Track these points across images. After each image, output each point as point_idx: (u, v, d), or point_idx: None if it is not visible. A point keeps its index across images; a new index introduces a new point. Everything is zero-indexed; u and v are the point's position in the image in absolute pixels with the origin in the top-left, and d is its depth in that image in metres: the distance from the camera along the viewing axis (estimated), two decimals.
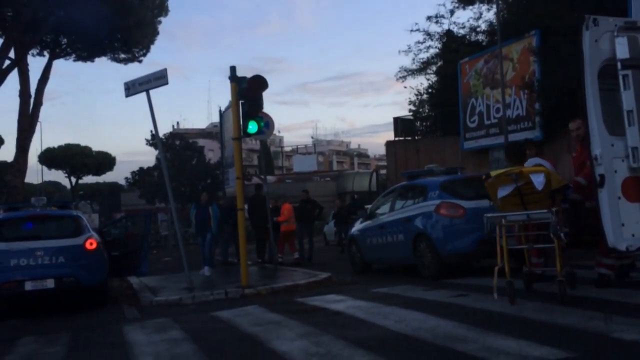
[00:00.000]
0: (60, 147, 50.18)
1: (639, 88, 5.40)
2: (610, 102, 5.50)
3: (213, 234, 11.87)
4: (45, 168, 48.98)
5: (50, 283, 8.18)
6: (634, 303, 5.31)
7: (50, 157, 48.04)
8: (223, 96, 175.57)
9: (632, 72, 5.39)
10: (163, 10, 24.94)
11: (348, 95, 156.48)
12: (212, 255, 12.10)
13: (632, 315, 4.77)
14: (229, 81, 9.26)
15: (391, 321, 5.50)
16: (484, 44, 22.62)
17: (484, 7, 23.15)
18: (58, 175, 54.56)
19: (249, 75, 9.19)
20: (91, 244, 8.60)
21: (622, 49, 5.42)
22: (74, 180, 50.23)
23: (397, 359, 4.10)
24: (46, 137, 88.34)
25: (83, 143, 56.72)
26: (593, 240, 5.91)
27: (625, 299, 5.53)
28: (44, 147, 49.48)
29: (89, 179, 54.08)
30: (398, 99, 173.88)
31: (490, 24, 22.44)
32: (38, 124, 24.15)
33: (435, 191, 8.85)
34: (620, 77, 5.39)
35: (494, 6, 19.50)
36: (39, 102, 23.13)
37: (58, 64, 49.53)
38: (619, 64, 5.41)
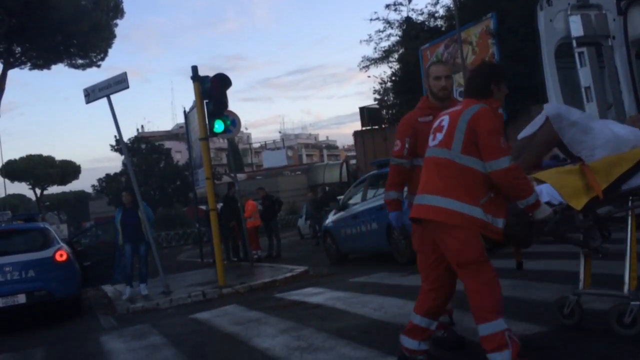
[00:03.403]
0: (22, 158, 48.97)
1: (594, 65, 5.56)
2: (568, 79, 5.65)
3: (147, 242, 9.47)
4: (7, 181, 47.70)
5: (21, 298, 8.00)
6: (601, 273, 5.47)
7: (12, 170, 46.77)
8: (187, 97, 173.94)
9: (587, 49, 5.54)
10: (118, 12, 24.47)
11: (311, 88, 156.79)
12: (147, 269, 9.78)
13: (600, 285, 4.91)
14: (191, 81, 9.16)
15: (370, 309, 5.55)
16: (443, 29, 22.85)
17: None
18: (22, 188, 53.37)
19: (211, 74, 9.12)
20: (61, 256, 8.43)
21: (576, 27, 5.56)
22: (38, 191, 49.10)
23: (379, 347, 4.14)
24: (6, 149, 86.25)
25: (45, 153, 55.56)
26: None
27: (594, 269, 5.69)
28: (5, 159, 48.16)
29: (54, 189, 53.00)
30: (362, 89, 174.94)
31: (448, 9, 22.68)
32: None
33: None
34: (576, 55, 5.54)
35: None
36: None
37: (13, 73, 48.27)
38: (574, 42, 5.55)
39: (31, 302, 8.09)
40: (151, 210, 10.00)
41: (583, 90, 5.46)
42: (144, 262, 9.61)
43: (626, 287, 3.42)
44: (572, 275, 5.56)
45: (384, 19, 24.81)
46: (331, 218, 11.22)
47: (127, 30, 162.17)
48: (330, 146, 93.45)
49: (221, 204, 13.36)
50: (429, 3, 36.63)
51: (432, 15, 24.14)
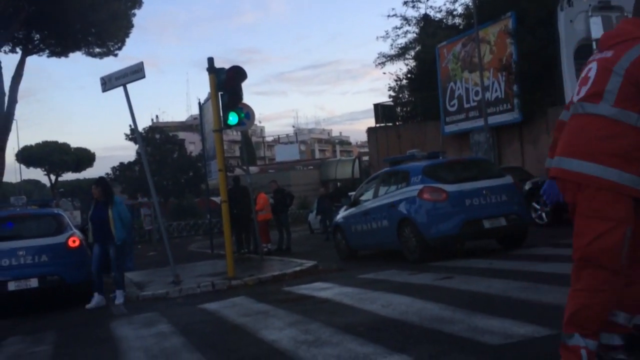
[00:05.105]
0: (37, 144, 49.43)
1: None
2: None
3: (117, 244, 8.31)
4: (23, 166, 48.25)
5: (33, 282, 8.10)
6: None
7: (28, 155, 47.28)
8: (202, 88, 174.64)
9: None
10: (137, 2, 24.54)
11: (326, 83, 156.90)
12: (122, 274, 8.69)
13: None
14: (207, 73, 9.19)
15: (378, 306, 5.54)
16: (460, 27, 22.70)
17: None
18: (37, 174, 53.84)
19: (226, 66, 9.12)
20: (74, 242, 8.52)
21: (596, 29, 5.49)
22: (53, 177, 49.57)
23: (386, 343, 4.14)
24: (23, 135, 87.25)
25: (61, 140, 56.01)
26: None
27: None
28: (21, 145, 48.69)
29: (68, 176, 53.40)
30: (376, 86, 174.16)
31: (467, 7, 22.52)
32: (14, 122, 23.72)
33: (417, 176, 8.91)
34: None
35: None
36: (13, 100, 22.66)
37: (31, 60, 48.75)
38: (594, 44, 5.49)
39: (43, 287, 8.19)
40: (126, 209, 8.79)
41: None
42: (115, 266, 8.40)
43: None
44: None
45: (401, 16, 24.74)
46: (342, 214, 11.21)
47: (144, 21, 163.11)
48: (343, 142, 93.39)
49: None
50: (447, 0, 36.32)
51: (450, 13, 24.01)
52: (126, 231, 8.51)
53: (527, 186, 12.10)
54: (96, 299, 8.21)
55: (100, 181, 8.97)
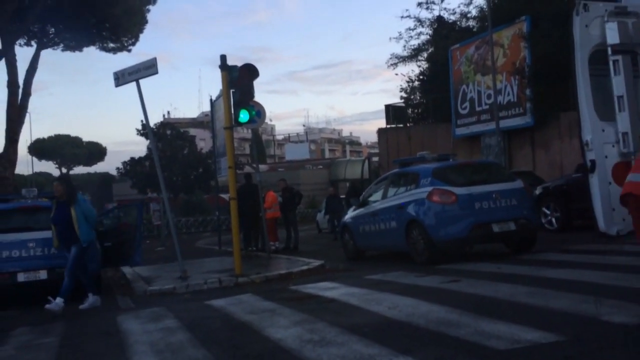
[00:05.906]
0: (50, 137, 49.98)
1: (629, 73, 5.45)
2: (600, 87, 5.55)
3: (82, 246, 7.46)
4: (35, 159, 48.73)
5: (43, 274, 8.16)
6: (623, 286, 5.38)
7: (40, 148, 47.77)
8: (214, 85, 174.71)
9: (622, 57, 5.43)
10: None
11: (337, 83, 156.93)
12: (89, 277, 7.81)
13: (621, 298, 4.83)
14: (219, 70, 9.21)
15: (385, 307, 5.53)
16: (474, 30, 22.61)
17: None
18: (48, 166, 54.42)
19: (238, 64, 9.14)
20: None
21: (612, 34, 5.46)
22: (64, 170, 50.00)
23: (391, 345, 4.13)
24: (35, 128, 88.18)
25: (73, 133, 56.58)
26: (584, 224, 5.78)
27: (615, 282, 5.60)
28: (34, 138, 49.22)
29: (80, 170, 53.96)
30: (386, 87, 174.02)
31: (481, 10, 22.43)
32: (27, 114, 23.88)
33: (427, 178, 8.89)
34: (611, 63, 5.44)
35: None
36: (27, 93, 22.84)
37: (46, 53, 49.13)
38: (609, 49, 5.45)
39: (52, 279, 8.23)
40: (91, 206, 8.06)
41: (615, 98, 5.36)
42: (69, 267, 7.42)
43: None
44: (591, 285, 5.49)
45: (415, 17, 24.68)
46: (350, 214, 11.21)
47: (157, 17, 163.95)
48: (353, 142, 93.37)
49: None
50: (461, 3, 36.18)
51: (464, 15, 23.94)
52: (93, 231, 7.82)
53: (538, 191, 12.04)
54: (90, 299, 7.62)
55: (63, 177, 8.51)
